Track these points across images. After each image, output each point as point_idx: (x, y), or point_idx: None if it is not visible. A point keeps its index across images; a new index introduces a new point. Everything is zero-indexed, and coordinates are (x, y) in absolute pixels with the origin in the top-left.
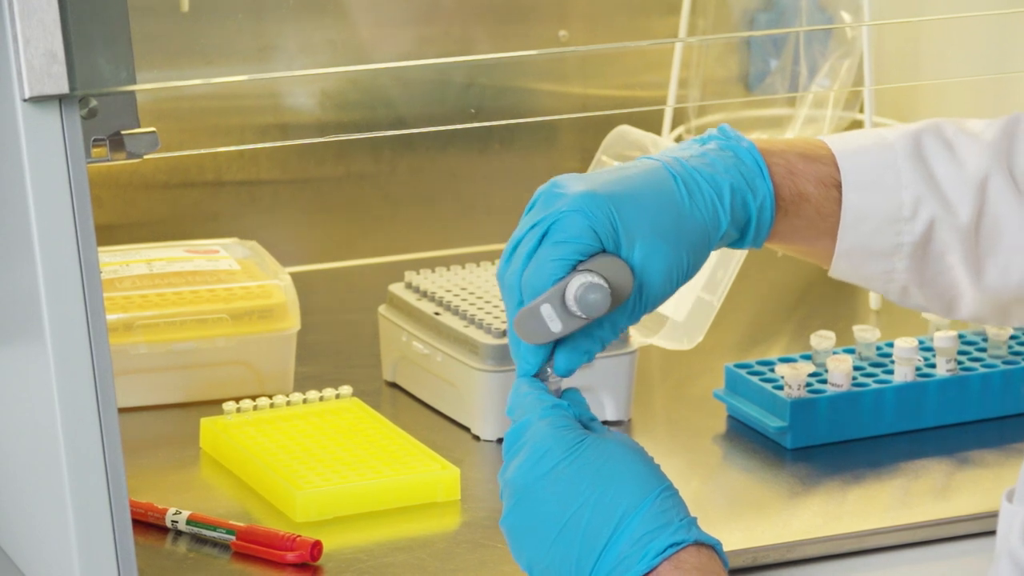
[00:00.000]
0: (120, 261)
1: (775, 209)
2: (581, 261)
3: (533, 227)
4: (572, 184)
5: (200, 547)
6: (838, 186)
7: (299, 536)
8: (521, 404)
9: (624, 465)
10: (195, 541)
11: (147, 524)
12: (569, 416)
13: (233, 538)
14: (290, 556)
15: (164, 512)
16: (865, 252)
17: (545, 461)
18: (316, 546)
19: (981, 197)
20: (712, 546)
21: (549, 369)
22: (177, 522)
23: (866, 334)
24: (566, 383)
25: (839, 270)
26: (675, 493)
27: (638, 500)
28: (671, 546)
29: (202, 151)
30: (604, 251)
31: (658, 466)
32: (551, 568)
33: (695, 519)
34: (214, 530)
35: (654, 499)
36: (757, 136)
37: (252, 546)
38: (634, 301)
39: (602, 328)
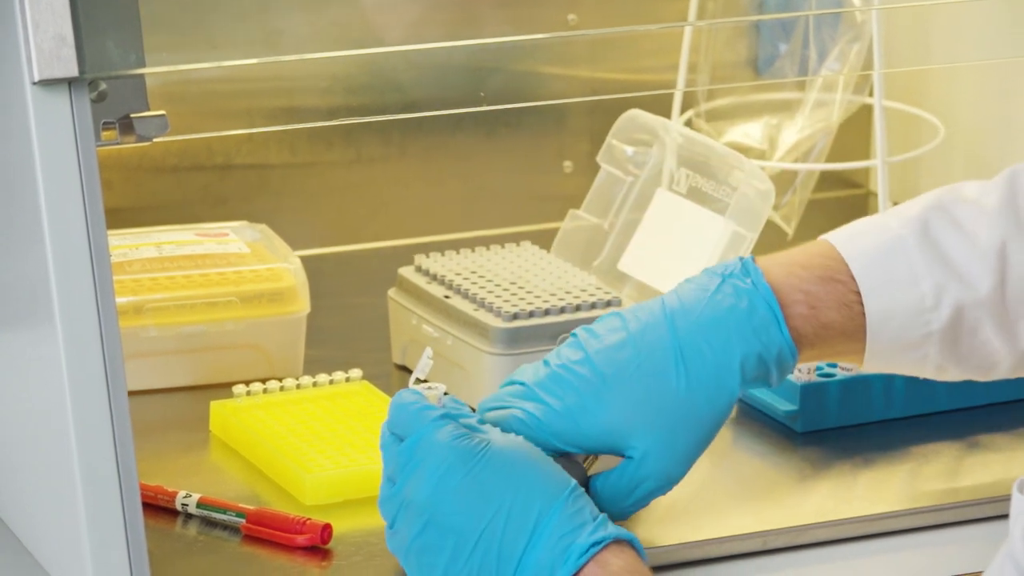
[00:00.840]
0: (130, 244)
1: (798, 347)
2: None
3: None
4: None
5: (210, 530)
6: (859, 299)
7: (309, 519)
8: (405, 418)
9: (530, 468)
10: (205, 524)
11: (157, 507)
12: (460, 425)
13: (243, 521)
14: (300, 539)
15: (174, 495)
16: (895, 347)
17: (452, 475)
18: (326, 529)
19: (1001, 266)
20: (629, 541)
21: (428, 382)
22: (187, 505)
23: None
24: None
25: (871, 366)
26: (583, 492)
27: (550, 501)
28: (593, 545)
29: (211, 134)
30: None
31: (559, 466)
32: None
33: (606, 516)
34: (224, 513)
35: (565, 499)
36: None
37: (262, 529)
38: (642, 485)
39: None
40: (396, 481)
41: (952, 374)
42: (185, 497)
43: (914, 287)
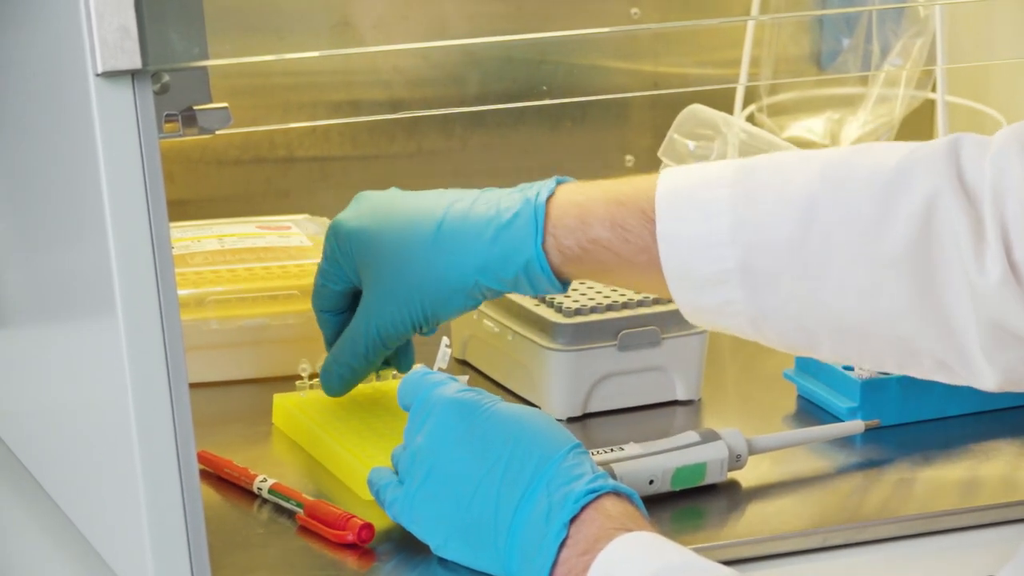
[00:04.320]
0: (192, 237)
1: (562, 257)
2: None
3: None
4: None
5: (277, 518)
6: (653, 226)
7: (353, 517)
8: (412, 387)
9: (533, 425)
10: (275, 510)
11: (240, 488)
12: (468, 388)
13: (301, 511)
14: (345, 536)
15: (254, 478)
16: (693, 281)
17: (455, 425)
18: (364, 529)
19: (807, 216)
20: (629, 496)
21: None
22: (261, 490)
23: None
24: None
25: (685, 308)
26: (586, 452)
27: (551, 453)
28: (591, 492)
29: (274, 127)
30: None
31: (565, 429)
32: (470, 529)
33: (607, 473)
34: (288, 501)
35: (566, 453)
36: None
37: (312, 522)
38: (365, 333)
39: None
40: (407, 438)
41: (771, 339)
42: (261, 481)
43: (710, 218)
